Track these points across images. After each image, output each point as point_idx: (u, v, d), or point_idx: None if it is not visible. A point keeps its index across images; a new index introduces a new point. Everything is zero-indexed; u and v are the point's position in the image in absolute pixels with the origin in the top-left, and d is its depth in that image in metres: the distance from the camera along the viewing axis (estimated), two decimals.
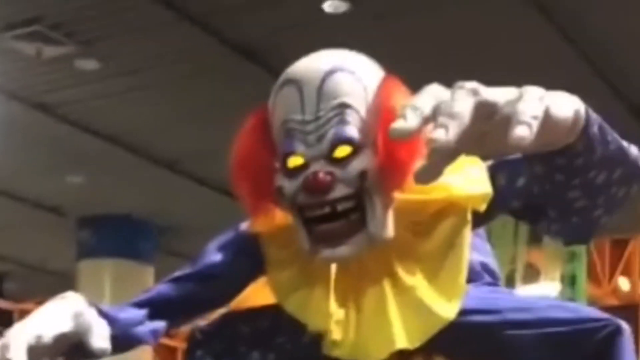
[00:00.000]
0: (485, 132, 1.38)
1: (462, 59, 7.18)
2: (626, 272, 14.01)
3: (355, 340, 1.96)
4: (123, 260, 10.61)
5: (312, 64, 1.92)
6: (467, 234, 1.95)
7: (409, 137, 1.33)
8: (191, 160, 9.19)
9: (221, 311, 2.20)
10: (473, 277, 2.04)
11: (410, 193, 1.91)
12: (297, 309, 2.01)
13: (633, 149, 1.76)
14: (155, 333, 2.08)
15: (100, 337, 1.68)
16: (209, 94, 7.91)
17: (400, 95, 1.86)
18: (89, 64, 7.59)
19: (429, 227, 1.94)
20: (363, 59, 1.95)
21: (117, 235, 10.42)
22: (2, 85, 7.77)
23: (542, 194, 1.81)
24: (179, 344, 17.42)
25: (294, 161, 1.88)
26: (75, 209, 10.48)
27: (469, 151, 1.42)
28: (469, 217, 1.94)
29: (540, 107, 1.36)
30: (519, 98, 1.36)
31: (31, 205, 10.31)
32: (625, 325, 1.96)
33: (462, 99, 1.33)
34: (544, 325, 1.96)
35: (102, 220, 10.47)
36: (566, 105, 1.48)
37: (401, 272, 1.94)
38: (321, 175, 1.84)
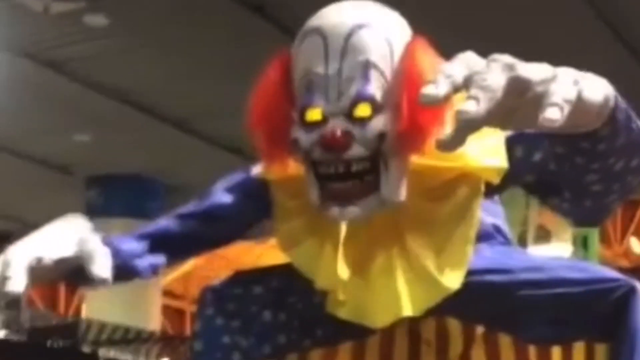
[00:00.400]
0: (515, 108, 1.37)
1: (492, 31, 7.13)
2: (637, 234, 14.04)
3: (360, 302, 1.94)
4: (131, 219, 10.64)
5: (340, 16, 1.86)
6: (478, 204, 1.92)
7: (438, 103, 1.31)
8: (200, 119, 9.16)
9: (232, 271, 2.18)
10: (485, 238, 2.03)
11: (427, 158, 1.87)
12: (303, 262, 1.99)
13: None
14: (154, 267, 2.06)
15: (102, 267, 1.66)
16: (219, 52, 7.86)
17: (427, 57, 1.82)
18: (98, 20, 7.54)
19: (441, 194, 1.92)
20: (393, 15, 1.89)
21: (125, 195, 10.44)
22: (9, 42, 7.71)
23: (558, 172, 1.80)
24: (187, 307, 17.58)
25: (313, 115, 1.83)
26: (84, 168, 10.47)
27: (496, 125, 1.40)
28: (482, 188, 1.92)
29: (573, 90, 1.35)
30: (553, 78, 1.35)
31: (39, 164, 10.30)
32: (639, 286, 1.93)
33: (497, 73, 1.32)
34: (557, 285, 1.95)
35: (110, 180, 10.48)
36: (598, 89, 1.46)
37: (409, 237, 1.91)
38: (339, 133, 1.80)
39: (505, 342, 2.09)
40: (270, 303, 2.13)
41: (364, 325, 2.00)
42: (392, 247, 1.92)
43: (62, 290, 17.06)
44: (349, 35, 1.82)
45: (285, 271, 2.07)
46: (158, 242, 2.06)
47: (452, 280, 1.90)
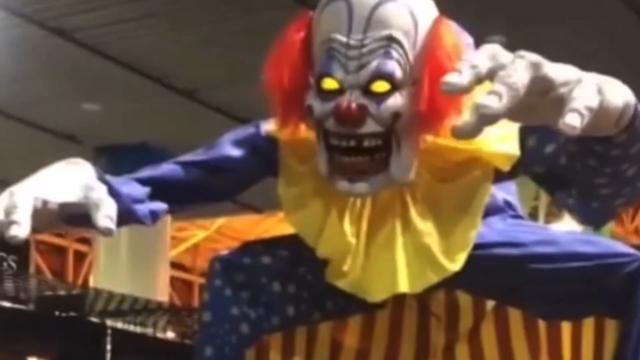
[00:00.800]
0: (536, 106, 1.36)
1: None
2: None
3: (360, 274, 1.94)
4: None
5: None
6: (487, 191, 1.91)
7: (460, 93, 1.31)
8: (210, 89, 9.11)
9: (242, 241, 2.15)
10: (496, 211, 2.02)
11: (440, 138, 1.85)
12: (304, 227, 1.98)
13: None
14: (153, 214, 2.01)
15: (107, 217, 1.57)
16: (229, 21, 7.80)
17: (452, 39, 1.80)
18: None
19: (451, 175, 1.90)
20: None
21: (134, 165, 10.35)
22: (17, 8, 7.67)
23: (569, 169, 1.78)
24: (196, 279, 17.62)
25: (329, 84, 1.81)
26: (92, 137, 10.43)
27: (514, 119, 1.40)
28: (492, 174, 1.90)
29: (596, 98, 1.34)
30: (578, 82, 1.34)
31: (47, 132, 10.27)
32: None
33: (522, 70, 1.31)
34: (568, 260, 1.93)
35: (119, 149, 10.45)
36: (619, 96, 1.44)
37: (414, 214, 1.90)
38: (354, 106, 1.78)
39: (515, 317, 2.08)
40: (280, 274, 2.11)
41: None
42: (397, 223, 1.91)
43: (70, 260, 17.11)
44: (375, 7, 1.78)
45: (294, 242, 2.04)
46: (160, 188, 2.02)
47: (453, 262, 1.89)
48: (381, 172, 1.82)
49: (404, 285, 1.90)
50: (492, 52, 1.34)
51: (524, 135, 1.88)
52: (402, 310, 2.16)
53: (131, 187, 1.97)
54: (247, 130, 2.08)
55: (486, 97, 1.27)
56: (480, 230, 1.95)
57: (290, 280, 2.11)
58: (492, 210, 1.98)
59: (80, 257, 17.07)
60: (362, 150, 1.81)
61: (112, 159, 10.59)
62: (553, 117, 1.33)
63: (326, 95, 1.80)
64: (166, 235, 11.29)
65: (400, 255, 1.90)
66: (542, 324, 2.05)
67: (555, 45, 8.02)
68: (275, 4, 6.98)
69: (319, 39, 1.83)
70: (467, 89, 1.31)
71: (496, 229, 1.99)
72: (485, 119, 1.28)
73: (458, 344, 2.13)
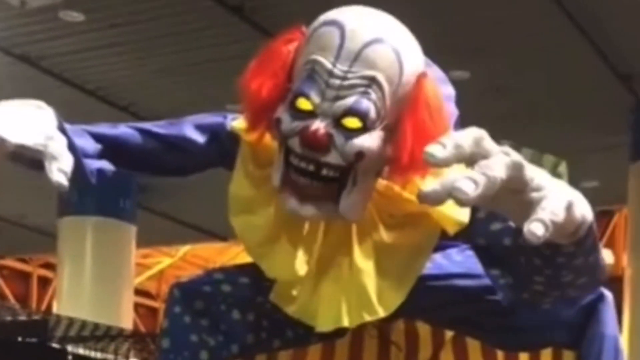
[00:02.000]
0: (503, 200, 1.37)
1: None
2: (610, 245, 14.03)
3: (308, 302, 1.94)
4: (105, 218, 10.57)
5: (365, 22, 1.81)
6: (431, 247, 1.91)
7: (439, 166, 1.31)
8: (174, 117, 9.08)
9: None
10: (455, 242, 2.01)
11: (397, 184, 1.86)
12: (248, 235, 1.97)
13: (602, 260, 1.72)
14: (100, 172, 1.97)
15: (61, 172, 1.55)
16: (196, 51, 7.82)
17: (434, 96, 1.80)
18: (74, 16, 7.47)
19: (399, 224, 1.90)
20: (410, 37, 1.84)
21: (98, 192, 10.36)
22: None
23: (511, 260, 1.77)
24: (161, 305, 17.52)
25: (304, 104, 1.80)
26: None
27: (481, 205, 1.40)
28: (437, 234, 1.90)
29: (563, 212, 1.35)
30: (550, 193, 1.36)
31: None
32: (608, 294, 1.93)
33: (503, 166, 1.32)
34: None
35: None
36: (581, 212, 1.44)
37: (358, 253, 1.90)
38: (322, 133, 1.77)
39: (473, 347, 2.09)
40: (239, 302, 2.11)
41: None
42: (343, 257, 1.91)
43: (34, 285, 16.99)
44: (367, 44, 1.78)
45: (254, 270, 2.04)
46: (113, 148, 2.00)
47: (386, 306, 1.90)
48: (331, 201, 1.82)
49: (345, 320, 1.91)
50: (479, 137, 1.34)
51: (476, 206, 1.90)
52: (363, 339, 2.16)
53: (84, 141, 1.95)
54: (213, 118, 2.08)
55: (463, 180, 1.28)
56: (440, 261, 1.97)
57: (250, 308, 2.10)
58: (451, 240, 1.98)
59: (44, 282, 16.97)
60: (318, 177, 1.81)
61: (79, 187, 10.52)
62: (517, 216, 1.36)
63: (297, 114, 1.80)
64: (131, 262, 11.23)
65: (344, 291, 1.91)
66: (500, 354, 2.06)
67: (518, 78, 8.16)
68: (243, 35, 7.00)
69: (304, 57, 1.82)
70: (446, 164, 1.31)
71: (455, 260, 2.00)
72: (457, 201, 1.29)
73: None
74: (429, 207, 1.81)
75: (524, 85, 8.31)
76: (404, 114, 1.78)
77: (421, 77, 1.80)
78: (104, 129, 2.03)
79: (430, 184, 1.33)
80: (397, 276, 1.90)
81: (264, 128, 1.89)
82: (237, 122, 1.99)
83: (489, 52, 7.73)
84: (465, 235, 1.88)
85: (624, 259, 11.98)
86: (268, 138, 1.92)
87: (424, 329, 2.13)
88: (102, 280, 10.51)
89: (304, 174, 1.81)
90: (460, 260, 2.01)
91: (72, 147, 1.73)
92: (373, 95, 1.77)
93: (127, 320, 10.93)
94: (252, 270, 2.07)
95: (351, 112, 1.77)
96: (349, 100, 1.77)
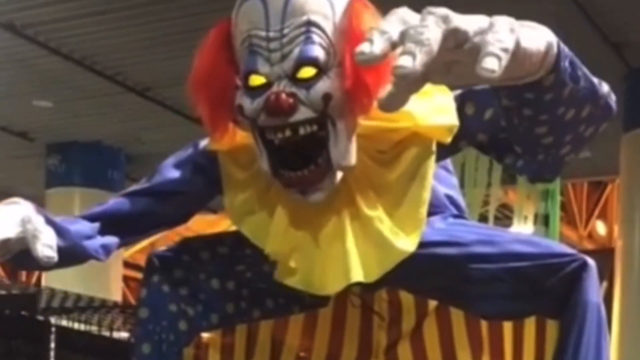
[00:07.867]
0: (454, 61, 1.35)
1: None
2: (602, 216, 14.05)
3: (310, 270, 1.90)
4: (92, 189, 10.54)
5: None
6: (431, 165, 1.88)
7: (375, 62, 1.29)
8: (164, 87, 9.04)
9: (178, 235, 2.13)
10: (438, 208, 1.99)
11: (375, 120, 1.83)
12: (255, 232, 1.94)
13: (604, 87, 1.71)
14: (106, 248, 1.98)
15: (45, 246, 1.61)
16: (184, 19, 7.75)
17: (369, 16, 1.78)
18: None
19: (392, 157, 1.88)
20: None
21: (86, 163, 10.34)
22: None
23: (509, 127, 1.76)
24: None
25: (256, 80, 1.79)
26: (44, 134, 10.33)
27: (436, 80, 1.38)
28: (434, 148, 1.88)
29: (511, 39, 1.34)
30: (490, 28, 1.33)
31: None
32: (591, 261, 1.90)
33: (432, 26, 1.30)
34: (508, 260, 1.91)
35: (71, 146, 10.36)
36: (538, 37, 1.44)
37: (361, 202, 1.87)
38: (283, 96, 1.76)
39: (457, 316, 2.07)
40: (219, 271, 2.08)
41: (315, 296, 1.96)
42: (344, 212, 1.87)
43: None
44: None
45: (235, 238, 2.03)
46: (109, 223, 1.99)
47: (407, 243, 1.86)
48: (327, 175, 1.81)
49: (358, 275, 1.85)
50: (401, 15, 1.32)
51: (461, 104, 1.87)
52: (345, 309, 2.15)
53: (79, 225, 1.95)
54: (186, 152, 2.05)
55: (400, 58, 1.26)
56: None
57: (230, 277, 2.08)
58: (434, 207, 1.95)
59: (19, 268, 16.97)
60: (300, 145, 1.79)
61: (65, 156, 10.51)
62: (473, 70, 1.31)
63: (254, 91, 1.79)
64: None
65: (351, 245, 1.86)
66: (484, 324, 2.04)
67: None
68: (229, 4, 6.94)
69: (239, 39, 1.81)
70: (380, 57, 1.29)
71: (437, 228, 1.96)
72: (404, 81, 1.27)
73: (400, 343, 2.12)
74: (414, 125, 1.83)
75: None
76: (345, 41, 1.77)
77: (353, 2, 1.79)
78: (94, 209, 2.02)
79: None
80: (408, 208, 1.87)
81: (227, 123, 1.88)
82: (207, 141, 1.98)
83: None
84: (464, 139, 1.89)
85: (617, 230, 12.01)
86: (241, 139, 1.90)
87: (407, 299, 2.11)
88: None
89: (292, 169, 1.80)
90: (442, 228, 1.98)
91: (64, 230, 1.84)
92: (315, 38, 1.77)
93: (116, 292, 10.94)
94: (232, 238, 2.06)
95: (302, 62, 1.77)
96: (295, 53, 1.77)
